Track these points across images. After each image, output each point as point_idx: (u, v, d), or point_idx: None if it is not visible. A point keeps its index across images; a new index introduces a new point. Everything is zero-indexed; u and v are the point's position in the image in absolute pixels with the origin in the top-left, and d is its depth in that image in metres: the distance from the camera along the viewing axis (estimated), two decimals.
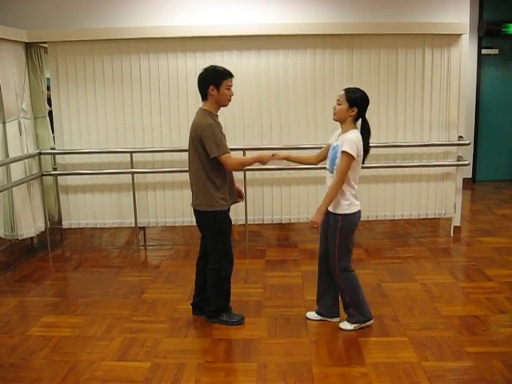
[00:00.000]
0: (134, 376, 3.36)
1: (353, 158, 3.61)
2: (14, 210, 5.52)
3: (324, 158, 3.98)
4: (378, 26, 5.73)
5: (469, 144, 6.14)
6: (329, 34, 5.74)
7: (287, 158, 4.08)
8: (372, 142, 6.02)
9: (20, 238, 5.63)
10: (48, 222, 6.01)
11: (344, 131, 3.75)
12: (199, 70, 5.67)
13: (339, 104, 3.72)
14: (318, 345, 3.70)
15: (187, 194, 6.03)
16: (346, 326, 3.92)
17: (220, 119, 3.96)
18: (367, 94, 3.75)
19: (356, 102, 3.68)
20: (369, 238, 6.26)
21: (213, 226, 3.93)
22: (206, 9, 5.91)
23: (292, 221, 6.18)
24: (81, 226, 6.23)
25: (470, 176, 9.18)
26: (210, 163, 3.80)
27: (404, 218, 6.25)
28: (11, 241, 5.78)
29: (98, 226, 6.22)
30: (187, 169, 5.76)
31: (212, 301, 4.08)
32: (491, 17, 8.69)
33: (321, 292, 4.08)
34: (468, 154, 7.30)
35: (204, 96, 3.87)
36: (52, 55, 5.82)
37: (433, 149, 6.06)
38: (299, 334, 3.88)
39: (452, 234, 6.27)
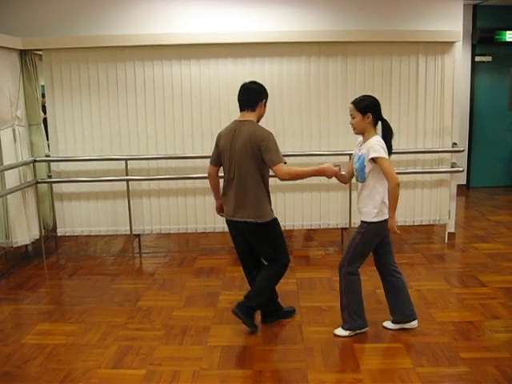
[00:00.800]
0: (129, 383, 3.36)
1: (386, 157, 3.62)
2: (8, 217, 5.51)
3: (353, 172, 3.96)
4: (373, 33, 5.76)
5: (463, 151, 6.17)
6: (323, 42, 5.77)
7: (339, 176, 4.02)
8: None
9: (14, 246, 5.62)
10: (43, 230, 5.99)
11: (366, 139, 3.75)
12: (194, 78, 5.80)
13: (353, 117, 3.74)
14: (314, 351, 3.70)
15: (182, 201, 6.06)
16: (340, 332, 3.92)
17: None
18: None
19: (368, 109, 3.69)
20: None
21: (270, 235, 3.90)
22: (201, 16, 5.91)
23: (287, 228, 6.17)
24: (76, 234, 6.22)
25: (465, 182, 9.22)
26: (265, 173, 3.81)
27: (398, 224, 6.21)
28: (6, 248, 5.75)
29: (92, 234, 6.22)
30: (182, 176, 5.89)
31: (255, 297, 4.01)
32: (485, 24, 8.76)
33: (390, 300, 4.04)
34: (462, 160, 7.33)
35: (252, 107, 3.83)
36: (47, 62, 5.83)
37: (427, 155, 6.09)
38: (294, 340, 3.88)
39: (446, 241, 6.29)
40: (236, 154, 3.80)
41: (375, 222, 3.78)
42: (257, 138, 3.70)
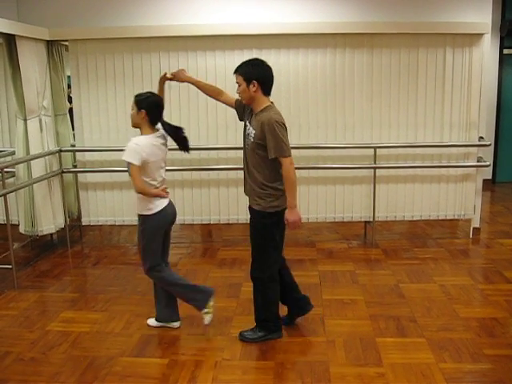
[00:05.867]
0: (151, 372, 3.39)
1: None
2: (34, 206, 5.58)
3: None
4: (399, 25, 5.70)
5: (489, 145, 6.09)
6: (349, 33, 5.72)
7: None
8: (392, 141, 6.03)
9: (40, 235, 5.70)
10: (68, 219, 6.07)
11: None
12: (219, 69, 5.79)
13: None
14: (336, 344, 3.69)
15: (205, 193, 6.07)
16: (151, 322, 4.04)
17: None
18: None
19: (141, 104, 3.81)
20: (387, 238, 6.23)
21: None
22: (226, 7, 5.91)
23: (310, 220, 6.16)
24: (100, 223, 6.29)
25: (490, 177, 9.09)
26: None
27: (423, 218, 6.21)
28: (31, 237, 5.84)
29: (116, 224, 6.27)
30: (206, 167, 5.90)
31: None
32: None
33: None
34: (488, 154, 7.23)
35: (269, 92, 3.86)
36: (73, 53, 5.88)
37: (453, 149, 6.01)
38: (316, 333, 3.88)
39: (471, 236, 6.22)
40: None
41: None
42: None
